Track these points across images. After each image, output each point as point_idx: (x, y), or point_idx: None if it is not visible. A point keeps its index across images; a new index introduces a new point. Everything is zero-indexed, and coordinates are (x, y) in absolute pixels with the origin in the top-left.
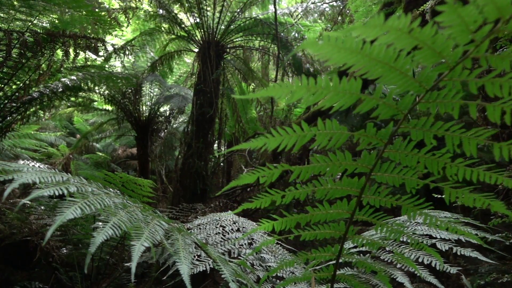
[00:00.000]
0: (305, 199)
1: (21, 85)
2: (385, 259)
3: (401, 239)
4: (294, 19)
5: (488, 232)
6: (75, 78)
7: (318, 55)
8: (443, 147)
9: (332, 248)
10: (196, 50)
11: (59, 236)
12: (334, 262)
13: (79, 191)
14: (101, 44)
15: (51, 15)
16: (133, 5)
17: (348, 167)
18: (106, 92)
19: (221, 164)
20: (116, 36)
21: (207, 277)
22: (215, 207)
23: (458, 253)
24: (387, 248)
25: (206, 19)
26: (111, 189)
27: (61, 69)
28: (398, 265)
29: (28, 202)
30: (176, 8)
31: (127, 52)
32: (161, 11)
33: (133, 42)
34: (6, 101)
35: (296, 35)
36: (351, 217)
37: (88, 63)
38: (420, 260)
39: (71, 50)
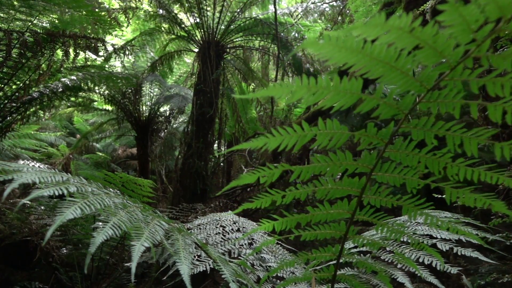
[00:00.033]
0: (305, 199)
1: (21, 85)
2: (386, 259)
3: (402, 239)
4: (294, 19)
5: (489, 232)
6: (75, 78)
7: (318, 55)
8: (443, 147)
9: (333, 248)
10: (196, 50)
11: (59, 236)
12: (334, 262)
13: (79, 191)
14: (101, 44)
15: (51, 15)
16: (133, 5)
17: (349, 167)
18: (106, 92)
19: (221, 164)
20: (116, 36)
21: (207, 277)
22: (215, 207)
23: (459, 253)
24: (387, 248)
25: (206, 19)
26: (111, 189)
27: (61, 69)
28: (399, 265)
29: (28, 202)
30: (176, 8)
31: (127, 52)
32: (161, 11)
33: (133, 42)
34: (6, 101)
35: (296, 35)
36: (351, 217)
37: (88, 63)
38: (420, 260)
39: (71, 50)
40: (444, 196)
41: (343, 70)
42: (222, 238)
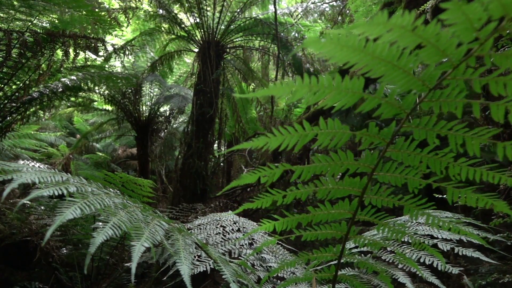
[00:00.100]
0: (305, 199)
1: (21, 85)
2: (387, 259)
3: (402, 239)
4: (294, 19)
5: (490, 232)
6: (75, 78)
7: (319, 54)
8: (444, 147)
9: (334, 249)
10: (196, 50)
11: (59, 236)
12: (335, 262)
13: (79, 191)
14: (101, 44)
15: (51, 15)
16: (133, 5)
17: (350, 167)
18: (106, 92)
19: (221, 164)
20: (116, 36)
21: (207, 278)
22: (215, 207)
23: (460, 254)
24: (388, 249)
25: (206, 19)
26: (111, 189)
27: (61, 69)
28: (400, 266)
29: (28, 202)
30: (176, 8)
31: (127, 52)
32: (161, 11)
33: (133, 42)
34: (6, 101)
35: (296, 35)
36: (352, 217)
37: (88, 63)
38: (421, 260)
39: (71, 50)
40: (445, 196)
41: (344, 69)
42: (222, 238)
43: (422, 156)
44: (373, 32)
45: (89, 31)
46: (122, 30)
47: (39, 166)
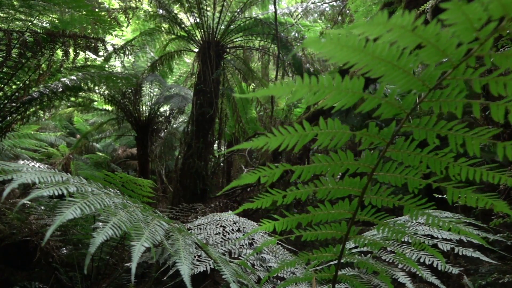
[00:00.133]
0: (305, 199)
1: (21, 85)
2: (387, 260)
3: (402, 239)
4: (294, 19)
5: (490, 232)
6: (75, 78)
7: (319, 54)
8: (444, 147)
9: (334, 249)
10: (196, 50)
11: (59, 236)
12: (335, 262)
13: (79, 191)
14: (101, 44)
15: (51, 15)
16: (133, 5)
17: (350, 167)
18: (106, 92)
19: (221, 164)
20: (116, 36)
21: (207, 278)
22: (215, 207)
23: (460, 254)
24: (388, 248)
25: (206, 19)
26: (111, 189)
27: (61, 69)
28: (400, 266)
29: (28, 202)
30: (176, 8)
31: (127, 52)
32: (161, 11)
33: (133, 42)
34: (6, 101)
35: (296, 35)
36: (352, 217)
37: (88, 63)
38: (421, 260)
39: (71, 50)
40: (445, 196)
41: (344, 69)
42: (222, 238)
43: (422, 156)
44: (373, 32)
45: (89, 31)
46: (122, 30)
47: (39, 166)
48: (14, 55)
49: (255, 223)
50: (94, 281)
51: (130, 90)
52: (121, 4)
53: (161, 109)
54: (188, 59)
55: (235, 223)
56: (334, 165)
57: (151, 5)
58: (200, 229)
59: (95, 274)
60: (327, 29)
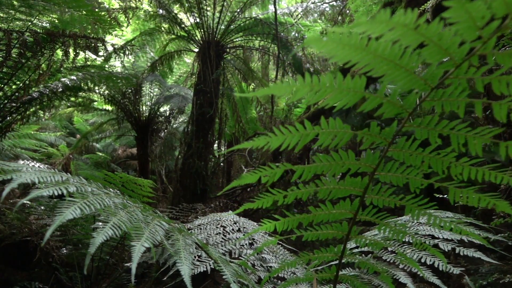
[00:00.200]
0: (306, 199)
1: (21, 85)
2: (387, 260)
3: (403, 239)
4: (294, 19)
5: (491, 232)
6: (75, 78)
7: (322, 52)
8: (446, 146)
9: (335, 249)
10: (196, 50)
11: (59, 236)
12: (336, 262)
13: (79, 191)
14: (101, 44)
15: (51, 15)
16: (133, 5)
17: (351, 167)
18: (106, 92)
19: (221, 164)
20: (116, 36)
21: (208, 278)
22: (215, 207)
23: (461, 254)
24: (389, 249)
25: (206, 19)
26: (111, 189)
27: (61, 69)
28: (400, 266)
29: (28, 202)
30: (176, 8)
31: (127, 52)
32: (161, 11)
33: (133, 42)
34: (6, 101)
35: (296, 35)
36: (354, 217)
37: (88, 63)
38: (422, 260)
39: (71, 50)
40: (445, 196)
41: (344, 69)
42: (222, 238)
43: (424, 156)
44: (375, 31)
45: (89, 31)
46: (122, 30)
47: (39, 166)
48: (14, 55)
49: (255, 223)
50: (94, 281)
51: (130, 90)
52: (121, 4)
53: (161, 109)
54: (188, 59)
55: (235, 223)
56: (335, 165)
57: (151, 5)
58: (200, 229)
59: (95, 274)
60: (329, 28)
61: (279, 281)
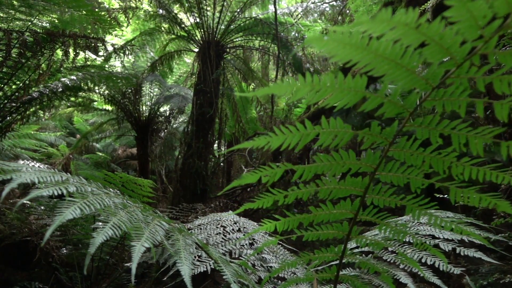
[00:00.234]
0: (306, 199)
1: (21, 85)
2: (388, 260)
3: (404, 239)
4: (294, 19)
5: (491, 232)
6: (75, 78)
7: (322, 52)
8: (446, 146)
9: (335, 249)
10: (196, 50)
11: (59, 236)
12: (336, 262)
13: (79, 191)
14: (101, 44)
15: (51, 15)
16: (133, 5)
17: (352, 167)
18: (106, 92)
19: (221, 164)
20: (116, 36)
21: (208, 278)
22: (215, 207)
23: (461, 254)
24: (389, 249)
25: (206, 19)
26: (111, 189)
27: (61, 69)
28: (401, 266)
29: (27, 202)
30: (176, 8)
31: (127, 52)
32: (161, 11)
33: (133, 42)
34: (6, 101)
35: (296, 35)
36: (354, 217)
37: (88, 63)
38: (423, 260)
39: (71, 50)
40: (446, 196)
41: (345, 68)
42: (223, 238)
43: (425, 156)
44: (376, 30)
45: (89, 31)
46: (122, 30)
47: (39, 166)
48: (14, 55)
49: (255, 223)
50: (94, 281)
51: (130, 90)
52: (121, 4)
53: (161, 109)
54: (188, 59)
55: (235, 223)
56: (336, 165)
57: (151, 5)
58: (201, 229)
59: (95, 274)
60: (329, 28)
61: (280, 281)
